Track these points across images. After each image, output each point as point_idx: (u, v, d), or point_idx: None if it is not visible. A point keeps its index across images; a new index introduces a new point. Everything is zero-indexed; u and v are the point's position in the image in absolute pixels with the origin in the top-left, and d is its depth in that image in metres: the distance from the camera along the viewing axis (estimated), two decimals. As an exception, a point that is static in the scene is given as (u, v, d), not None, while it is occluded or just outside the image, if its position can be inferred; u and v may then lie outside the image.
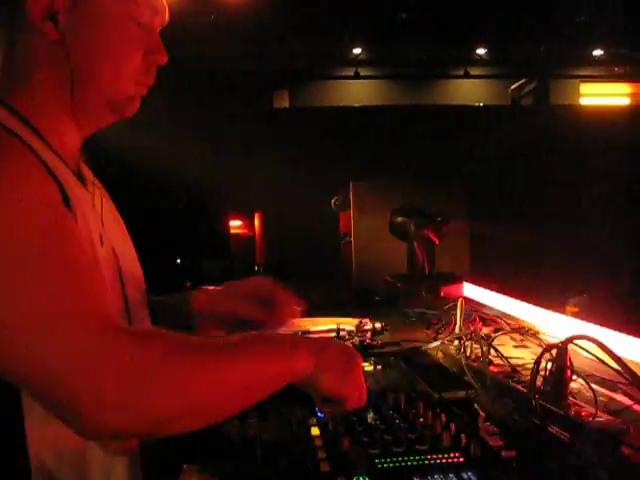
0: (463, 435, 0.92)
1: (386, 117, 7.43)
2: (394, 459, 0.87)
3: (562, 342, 1.20)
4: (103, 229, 1.02)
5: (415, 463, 0.86)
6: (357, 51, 8.19)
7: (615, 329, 1.86)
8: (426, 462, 0.86)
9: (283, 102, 8.84)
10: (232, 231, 7.46)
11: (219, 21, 6.28)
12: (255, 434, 0.96)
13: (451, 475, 0.82)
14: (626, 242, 6.09)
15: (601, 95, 9.50)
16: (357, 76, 8.32)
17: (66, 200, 0.87)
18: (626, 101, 9.44)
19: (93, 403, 0.73)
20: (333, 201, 4.36)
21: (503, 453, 0.91)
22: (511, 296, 2.63)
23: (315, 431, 0.98)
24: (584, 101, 9.34)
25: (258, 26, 6.48)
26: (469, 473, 0.82)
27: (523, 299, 2.52)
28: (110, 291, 0.94)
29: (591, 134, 6.73)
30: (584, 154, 6.73)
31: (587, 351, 1.21)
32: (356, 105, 8.42)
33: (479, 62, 8.49)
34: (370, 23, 7.28)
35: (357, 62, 8.26)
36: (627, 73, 9.02)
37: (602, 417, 1.11)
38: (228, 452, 0.93)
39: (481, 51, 8.31)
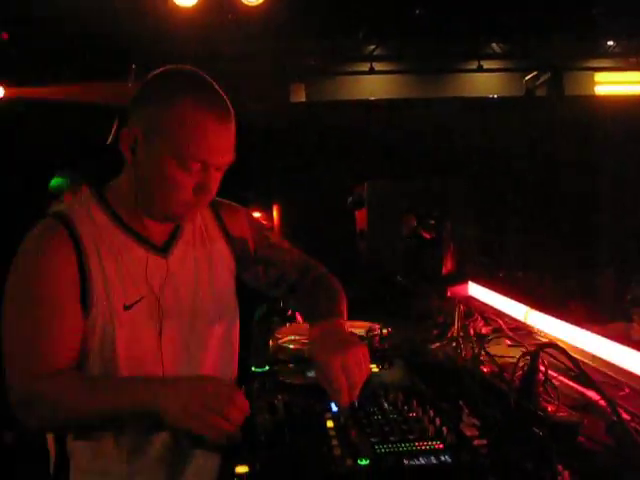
0: (445, 427, 1.18)
1: (401, 110, 7.59)
2: (390, 445, 1.14)
3: (534, 350, 1.45)
4: (165, 286, 1.42)
5: (406, 449, 1.12)
6: (372, 47, 8.39)
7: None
8: (414, 448, 1.12)
9: (300, 96, 9.03)
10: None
11: (236, 19, 6.47)
12: (283, 426, 1.23)
13: (432, 457, 1.08)
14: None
15: (616, 83, 9.49)
16: (372, 71, 8.51)
17: (85, 272, 1.33)
18: (642, 88, 9.39)
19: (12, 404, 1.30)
20: (349, 200, 4.57)
21: (475, 441, 1.17)
22: (511, 296, 2.86)
23: (330, 424, 1.25)
24: (599, 89, 9.36)
25: (274, 23, 6.66)
26: (445, 456, 1.09)
27: (521, 300, 2.74)
28: (143, 330, 1.38)
29: (606, 124, 6.79)
30: (599, 145, 6.81)
31: (555, 358, 1.46)
32: (372, 98, 8.62)
33: (493, 56, 8.63)
34: (384, 19, 7.46)
35: (372, 57, 8.46)
36: (642, 63, 9.02)
37: (563, 412, 1.36)
38: (263, 440, 1.19)
39: (494, 45, 8.45)
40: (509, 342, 2.24)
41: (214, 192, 1.38)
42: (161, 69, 1.36)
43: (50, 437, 1.47)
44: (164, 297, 1.42)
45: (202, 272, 1.50)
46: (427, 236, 3.17)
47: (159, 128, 1.28)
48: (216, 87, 1.36)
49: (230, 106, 1.35)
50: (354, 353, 1.29)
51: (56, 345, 1.31)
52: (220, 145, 1.31)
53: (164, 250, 1.45)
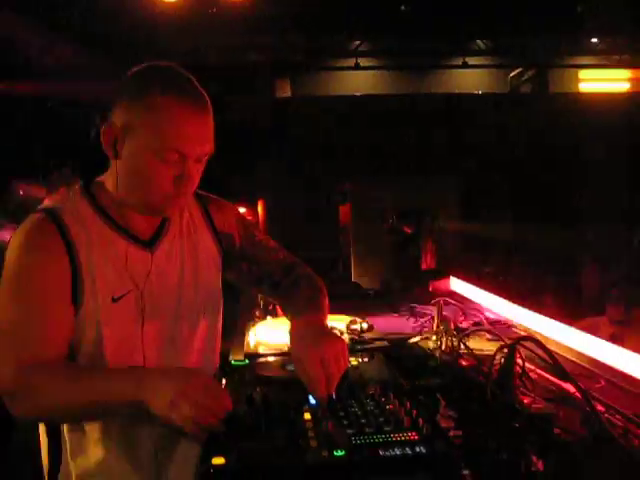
0: (420, 418, 1.19)
1: (386, 106, 7.61)
2: (366, 437, 1.14)
3: (511, 343, 1.47)
4: (148, 279, 1.43)
5: (381, 440, 1.13)
6: (357, 42, 8.40)
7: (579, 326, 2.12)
8: (389, 439, 1.13)
9: (285, 91, 9.02)
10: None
11: (220, 13, 6.44)
12: (260, 418, 1.24)
13: (407, 448, 1.09)
14: (625, 230, 6.22)
15: (600, 80, 9.53)
16: (357, 67, 8.52)
17: (75, 266, 1.34)
18: (626, 86, 9.45)
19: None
20: (332, 195, 4.60)
21: (451, 432, 1.18)
22: (492, 291, 2.88)
23: (307, 416, 1.25)
24: (583, 86, 9.39)
25: (258, 18, 6.64)
26: (420, 447, 1.10)
27: (501, 294, 2.77)
28: (129, 324, 1.40)
29: (590, 121, 6.84)
30: (583, 142, 6.86)
31: (532, 351, 1.47)
32: (357, 94, 8.63)
33: (477, 52, 8.66)
34: (370, 15, 7.46)
35: (357, 53, 8.46)
36: (626, 61, 9.08)
37: (539, 404, 1.38)
38: (239, 432, 1.19)
39: (479, 41, 8.48)
40: (489, 336, 2.26)
41: (195, 183, 1.39)
42: (138, 66, 1.38)
43: (42, 429, 1.49)
44: (148, 291, 1.43)
45: (188, 266, 1.52)
46: (408, 231, 3.19)
47: (135, 122, 1.30)
48: (191, 79, 1.37)
49: (207, 98, 1.37)
50: (332, 347, 1.30)
51: (46, 338, 1.32)
52: (195, 135, 1.32)
53: (150, 244, 1.46)
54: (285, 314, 1.63)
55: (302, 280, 1.63)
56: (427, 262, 3.15)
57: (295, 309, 1.50)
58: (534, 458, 1.15)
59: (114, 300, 1.38)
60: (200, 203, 1.60)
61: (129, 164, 1.34)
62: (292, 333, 1.40)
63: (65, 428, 1.43)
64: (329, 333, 1.39)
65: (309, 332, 1.35)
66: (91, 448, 1.41)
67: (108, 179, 1.44)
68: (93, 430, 1.41)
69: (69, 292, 1.34)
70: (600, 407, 1.44)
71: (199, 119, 1.33)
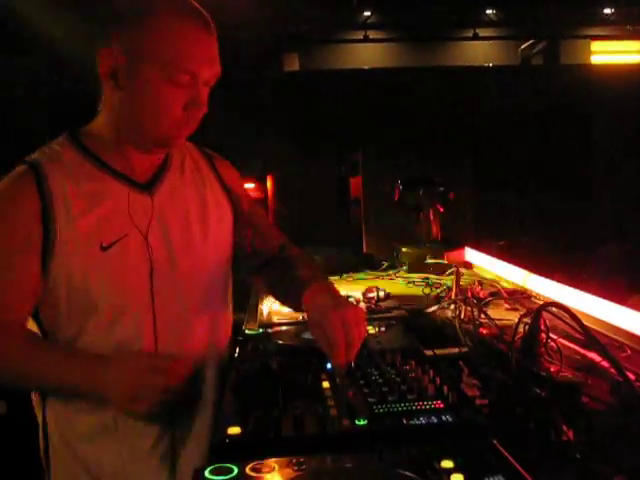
0: (445, 386, 1.14)
1: (396, 79, 7.50)
2: (388, 405, 1.09)
3: (537, 308, 1.41)
4: (151, 223, 1.35)
5: (405, 409, 1.07)
6: (366, 14, 8.26)
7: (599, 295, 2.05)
8: (413, 408, 1.08)
9: (293, 65, 8.90)
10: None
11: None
12: (278, 386, 1.19)
13: (432, 417, 1.04)
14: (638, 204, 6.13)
15: (612, 52, 9.38)
16: (366, 39, 8.39)
17: (48, 220, 1.26)
18: (638, 58, 9.29)
19: None
20: (343, 168, 4.54)
21: (477, 401, 1.13)
22: (509, 261, 2.82)
23: (326, 384, 1.20)
24: (595, 59, 9.24)
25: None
26: (447, 415, 1.04)
27: (518, 264, 2.71)
28: (133, 274, 1.33)
29: (602, 94, 6.72)
30: (595, 114, 6.75)
31: (558, 317, 1.41)
32: (366, 67, 8.51)
33: (488, 24, 8.52)
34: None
35: (366, 26, 8.33)
36: (638, 32, 8.91)
37: (566, 372, 1.32)
38: (255, 402, 1.14)
39: (490, 12, 8.33)
40: (507, 306, 2.20)
41: (205, 108, 1.31)
42: None
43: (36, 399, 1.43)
44: (152, 235, 1.35)
45: (194, 212, 1.44)
46: (414, 201, 3.12)
47: (140, 46, 1.23)
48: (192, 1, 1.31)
49: (209, 17, 1.30)
50: (353, 312, 1.24)
51: (6, 300, 1.28)
52: (207, 54, 1.27)
53: (148, 187, 1.38)
54: (280, 295, 1.58)
55: (299, 256, 1.59)
56: (433, 233, 3.07)
57: (303, 280, 1.41)
58: (564, 427, 1.10)
59: (104, 248, 1.29)
60: (206, 156, 1.54)
61: (135, 92, 1.26)
62: (307, 301, 1.32)
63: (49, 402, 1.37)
64: (347, 300, 1.33)
65: (327, 297, 1.28)
66: (85, 421, 1.35)
67: (99, 120, 1.36)
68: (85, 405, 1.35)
69: (37, 249, 1.26)
70: (629, 375, 1.38)
71: (209, 39, 1.28)
